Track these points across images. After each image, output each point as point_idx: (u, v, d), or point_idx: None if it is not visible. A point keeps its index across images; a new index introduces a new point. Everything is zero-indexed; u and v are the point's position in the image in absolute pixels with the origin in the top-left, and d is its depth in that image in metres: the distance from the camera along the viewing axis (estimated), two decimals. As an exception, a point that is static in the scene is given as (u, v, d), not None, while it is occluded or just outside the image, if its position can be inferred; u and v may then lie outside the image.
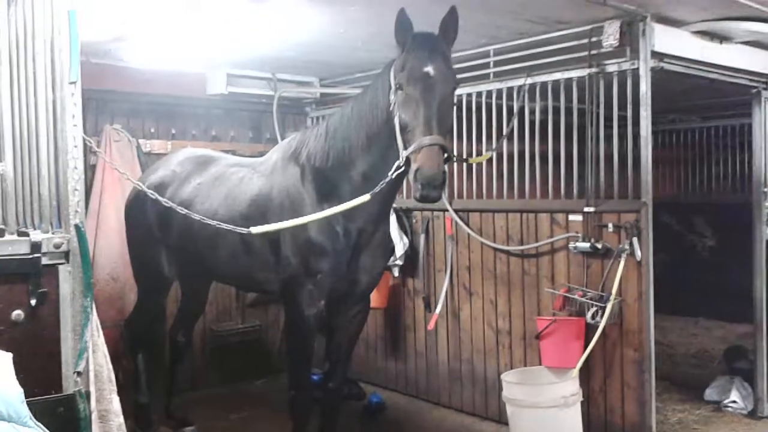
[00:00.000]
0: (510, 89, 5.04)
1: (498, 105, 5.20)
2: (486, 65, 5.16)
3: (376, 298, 5.11)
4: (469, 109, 5.34)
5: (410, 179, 3.22)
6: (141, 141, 5.77)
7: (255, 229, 3.49)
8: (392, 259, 5.53)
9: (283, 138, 5.62)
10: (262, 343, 6.61)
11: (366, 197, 3.36)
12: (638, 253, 4.28)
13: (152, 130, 5.97)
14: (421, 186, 3.10)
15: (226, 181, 4.37)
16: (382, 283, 5.25)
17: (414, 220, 5.76)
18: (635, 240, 4.28)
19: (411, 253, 5.70)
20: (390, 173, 3.32)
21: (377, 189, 3.38)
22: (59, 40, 2.50)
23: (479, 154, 5.25)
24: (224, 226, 3.58)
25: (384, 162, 3.56)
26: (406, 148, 3.23)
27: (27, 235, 2.42)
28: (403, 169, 3.25)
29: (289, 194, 3.96)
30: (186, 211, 3.63)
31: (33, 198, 2.58)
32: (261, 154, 5.11)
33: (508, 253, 5.05)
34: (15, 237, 2.41)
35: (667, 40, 4.40)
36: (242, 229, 3.51)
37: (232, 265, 4.30)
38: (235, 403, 5.83)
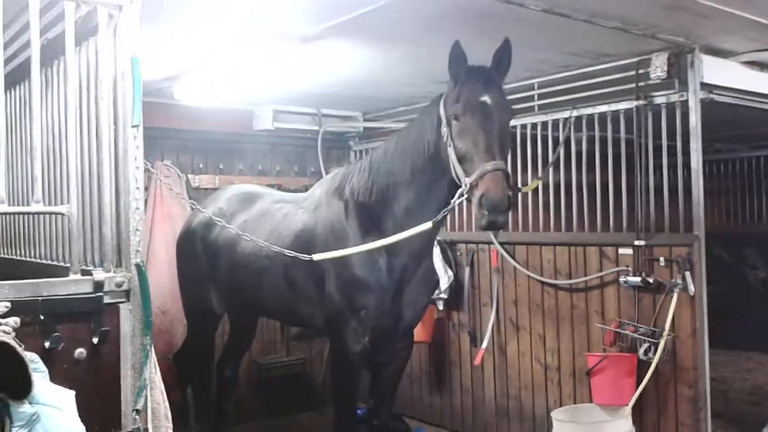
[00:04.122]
0: (555, 121, 5.03)
1: (543, 136, 5.17)
2: (530, 98, 5.16)
3: (420, 332, 5.07)
4: (513, 140, 5.33)
5: (474, 206, 3.17)
6: (190, 176, 5.90)
7: (317, 256, 3.53)
8: (437, 292, 5.47)
9: (327, 171, 5.68)
10: (306, 376, 6.60)
11: (428, 225, 3.36)
12: (691, 288, 4.18)
13: (201, 166, 6.10)
14: (488, 212, 3.04)
15: (271, 217, 4.42)
16: (427, 316, 5.22)
17: (458, 253, 5.72)
18: (688, 274, 4.19)
19: (456, 287, 5.66)
20: (453, 200, 3.31)
21: (440, 217, 3.40)
22: (122, 84, 2.58)
23: (525, 185, 5.22)
24: (287, 252, 3.64)
25: (428, 195, 3.58)
26: (467, 176, 3.19)
27: (90, 274, 2.47)
28: (465, 196, 3.21)
29: (333, 229, 3.97)
30: (252, 238, 3.76)
31: (94, 237, 2.64)
32: (306, 188, 5.17)
33: (556, 287, 4.98)
34: (79, 276, 2.46)
35: (716, 71, 4.35)
36: (305, 255, 3.56)
37: (277, 301, 4.32)
38: (281, 436, 5.82)
